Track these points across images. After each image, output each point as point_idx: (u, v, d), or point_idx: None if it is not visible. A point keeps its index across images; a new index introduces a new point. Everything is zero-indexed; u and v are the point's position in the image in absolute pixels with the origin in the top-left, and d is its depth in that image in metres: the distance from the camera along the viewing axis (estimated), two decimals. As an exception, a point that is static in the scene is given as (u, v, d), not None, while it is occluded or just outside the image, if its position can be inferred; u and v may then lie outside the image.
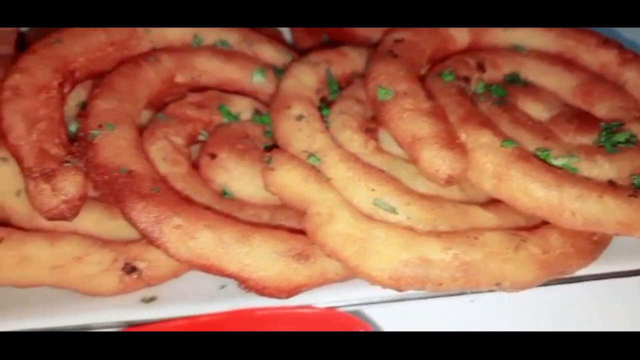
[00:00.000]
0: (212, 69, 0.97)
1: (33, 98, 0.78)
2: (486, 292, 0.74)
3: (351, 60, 1.00)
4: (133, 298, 0.82)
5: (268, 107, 0.98)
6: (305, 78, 0.91)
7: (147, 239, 0.71)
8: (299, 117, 0.83)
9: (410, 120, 0.76)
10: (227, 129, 0.92)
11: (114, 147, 0.76)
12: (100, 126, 0.77)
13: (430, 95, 0.82)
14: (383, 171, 0.78)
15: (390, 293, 0.74)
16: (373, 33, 1.09)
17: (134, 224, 0.71)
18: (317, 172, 0.76)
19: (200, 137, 0.91)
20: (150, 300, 0.81)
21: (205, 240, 0.70)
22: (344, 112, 0.88)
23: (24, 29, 1.18)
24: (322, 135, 0.81)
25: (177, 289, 0.83)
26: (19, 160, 0.74)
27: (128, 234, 0.86)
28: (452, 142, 0.74)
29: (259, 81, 1.00)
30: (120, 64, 0.92)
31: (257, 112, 0.96)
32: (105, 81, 0.84)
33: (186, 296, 0.82)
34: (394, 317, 0.79)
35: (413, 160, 0.76)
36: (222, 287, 0.83)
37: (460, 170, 0.73)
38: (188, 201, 0.75)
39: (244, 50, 1.04)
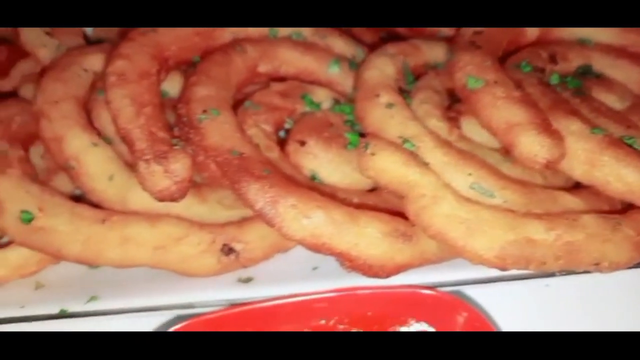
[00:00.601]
0: (291, 60, 1.00)
1: (137, 83, 0.80)
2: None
3: (423, 52, 1.03)
4: (230, 278, 0.84)
5: (343, 97, 1.01)
6: (387, 69, 0.93)
7: (263, 219, 0.73)
8: (389, 105, 0.85)
9: (505, 107, 0.79)
10: (312, 117, 0.94)
11: (222, 130, 0.78)
12: (205, 111, 0.79)
13: (517, 85, 0.84)
14: (475, 156, 0.81)
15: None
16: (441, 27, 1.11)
17: (250, 204, 0.73)
18: (416, 157, 0.78)
19: (286, 125, 0.93)
20: (247, 280, 0.83)
21: (318, 220, 0.72)
22: (426, 102, 0.90)
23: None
24: (413, 123, 0.83)
25: (271, 270, 0.85)
26: (130, 143, 0.76)
27: (215, 218, 0.88)
28: (548, 128, 0.76)
29: (335, 72, 1.02)
30: (205, 53, 0.95)
31: (336, 101, 0.98)
32: (201, 69, 0.86)
33: (281, 277, 0.84)
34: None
35: (508, 147, 0.78)
36: (315, 268, 0.85)
37: (558, 155, 0.75)
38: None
39: (317, 42, 1.07)
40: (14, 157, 0.90)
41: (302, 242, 0.73)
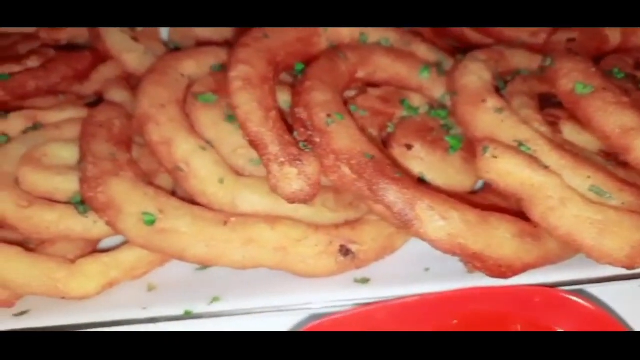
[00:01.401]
0: (385, 66, 1.01)
1: (261, 88, 0.81)
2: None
3: (507, 59, 1.05)
4: (347, 279, 0.85)
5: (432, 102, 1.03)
6: (484, 74, 0.95)
7: (400, 221, 0.74)
8: (498, 110, 0.87)
9: (617, 112, 0.81)
10: (413, 121, 0.95)
11: (350, 134, 0.79)
12: (329, 115, 0.80)
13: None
14: (590, 159, 0.82)
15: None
16: (520, 33, 1.13)
17: (388, 206, 0.74)
18: (536, 160, 0.79)
19: (388, 130, 0.95)
20: (364, 281, 0.84)
21: (454, 222, 0.73)
22: (525, 107, 0.92)
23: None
24: (524, 127, 0.85)
25: (385, 271, 0.86)
26: (261, 146, 0.77)
27: (321, 220, 0.89)
28: (664, 133, 0.78)
29: (425, 78, 1.03)
30: (304, 59, 0.96)
31: (431, 106, 1.00)
32: (312, 75, 0.87)
33: (396, 278, 0.85)
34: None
35: (622, 151, 0.80)
36: (427, 269, 0.86)
37: (676, 159, 0.77)
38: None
39: (402, 48, 1.08)
40: (123, 160, 0.90)
41: (437, 243, 0.74)
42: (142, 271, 0.89)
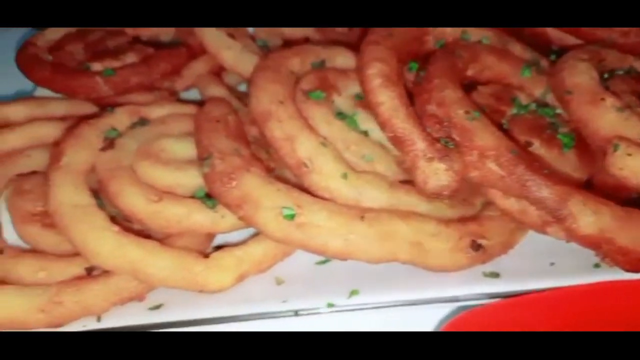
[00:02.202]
0: (491, 64, 1.02)
1: (399, 85, 0.82)
2: None
3: (604, 58, 1.06)
4: (476, 273, 0.86)
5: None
6: (593, 73, 0.96)
7: (553, 215, 0.75)
8: (619, 109, 0.88)
9: None
10: (525, 119, 0.96)
11: (491, 131, 0.80)
12: (467, 112, 0.81)
13: None
14: None
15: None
16: (612, 33, 1.15)
17: (539, 202, 0.75)
18: (670, 158, 0.81)
19: (503, 127, 0.96)
20: (494, 275, 0.85)
21: (604, 217, 0.75)
22: (635, 106, 0.94)
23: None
24: (648, 124, 0.86)
25: (512, 265, 0.87)
26: (408, 143, 0.78)
27: (440, 215, 0.90)
28: None
29: (526, 76, 1.04)
30: (417, 57, 0.97)
31: (538, 104, 1.01)
32: (438, 73, 0.88)
33: (524, 272, 0.86)
34: None
35: None
36: (552, 264, 0.87)
37: None
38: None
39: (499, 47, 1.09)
40: (247, 155, 0.91)
41: (586, 238, 0.75)
42: (268, 264, 0.89)
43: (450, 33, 1.04)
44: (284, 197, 0.83)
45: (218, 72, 1.20)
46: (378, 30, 0.90)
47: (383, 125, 0.81)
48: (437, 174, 0.76)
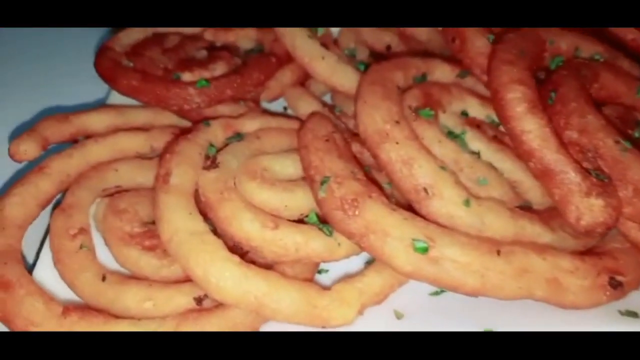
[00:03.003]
0: (608, 82, 0.95)
1: (543, 110, 0.75)
2: None
3: None
4: (609, 310, 0.80)
5: None
6: None
7: None
8: None
9: None
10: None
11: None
12: (617, 142, 0.75)
13: None
14: None
15: None
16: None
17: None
18: None
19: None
20: (631, 314, 0.80)
21: None
22: None
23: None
24: None
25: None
26: (559, 175, 0.72)
27: (564, 246, 0.84)
28: None
29: (641, 97, 0.98)
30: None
31: (657, 127, 0.95)
32: (572, 95, 0.82)
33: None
34: None
35: None
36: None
37: None
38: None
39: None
40: (364, 178, 0.84)
41: None
42: (385, 295, 0.83)
43: (564, 48, 0.97)
44: (411, 227, 0.77)
45: (303, 81, 1.13)
46: (507, 47, 0.83)
47: (528, 156, 0.75)
48: (592, 210, 0.70)
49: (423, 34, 1.23)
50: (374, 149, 0.87)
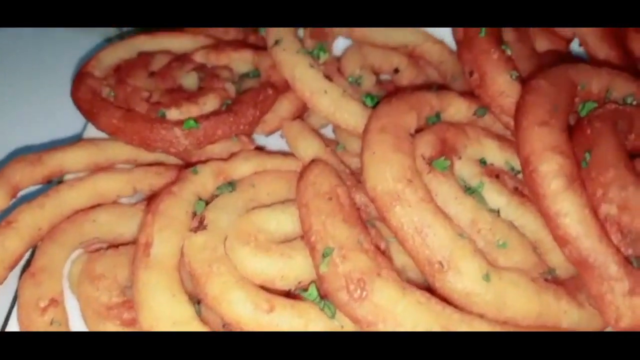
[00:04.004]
0: (643, 131, 0.84)
1: (583, 186, 0.64)
2: None
3: None
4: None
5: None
6: None
7: None
8: None
9: None
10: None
11: None
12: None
13: None
14: None
15: None
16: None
17: None
18: None
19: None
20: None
21: None
22: None
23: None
24: None
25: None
26: (596, 269, 0.62)
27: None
28: None
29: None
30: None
31: None
32: (612, 158, 0.70)
33: None
34: None
35: None
36: None
37: None
38: None
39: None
40: (371, 249, 0.73)
41: None
42: None
43: (597, 93, 0.85)
44: (426, 315, 0.67)
45: (302, 112, 1.01)
46: (538, 101, 0.71)
47: (563, 242, 0.64)
48: (635, 312, 0.59)
49: (434, 54, 1.11)
50: (383, 212, 0.76)
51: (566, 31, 1.12)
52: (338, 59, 1.09)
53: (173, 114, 0.87)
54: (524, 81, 0.89)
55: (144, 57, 1.03)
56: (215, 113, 0.87)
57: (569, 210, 0.63)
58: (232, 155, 0.90)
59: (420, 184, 0.76)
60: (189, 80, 1.00)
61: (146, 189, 0.92)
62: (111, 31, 1.15)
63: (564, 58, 1.09)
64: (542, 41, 1.11)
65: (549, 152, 0.65)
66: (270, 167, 0.90)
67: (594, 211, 0.62)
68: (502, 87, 0.87)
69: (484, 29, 0.91)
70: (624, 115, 0.80)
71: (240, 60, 1.02)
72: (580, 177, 0.64)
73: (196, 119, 0.85)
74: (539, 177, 0.64)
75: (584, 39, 1.10)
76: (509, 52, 0.91)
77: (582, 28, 1.08)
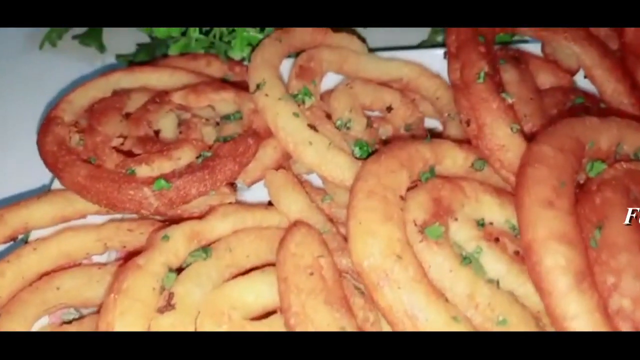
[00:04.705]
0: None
1: (593, 280, 0.56)
2: None
3: None
4: None
5: None
6: None
7: None
8: None
9: None
10: None
11: None
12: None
13: None
14: None
15: None
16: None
17: None
18: None
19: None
20: None
21: None
22: None
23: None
24: None
25: None
26: None
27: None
28: None
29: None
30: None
31: None
32: (624, 234, 0.62)
33: None
34: None
35: None
36: None
37: None
38: None
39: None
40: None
41: None
42: None
43: (606, 150, 0.77)
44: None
45: (286, 159, 0.93)
46: (542, 176, 0.62)
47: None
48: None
49: (430, 89, 1.03)
50: (370, 290, 0.68)
51: (570, 63, 1.04)
52: (328, 93, 1.01)
53: (144, 170, 0.79)
54: (526, 136, 0.81)
55: (119, 97, 0.95)
56: (189, 170, 0.79)
57: (576, 313, 0.54)
58: (210, 210, 0.82)
59: (410, 259, 0.68)
60: (167, 123, 0.92)
61: (118, 246, 0.84)
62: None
63: (568, 93, 1.00)
64: (546, 75, 1.03)
65: (555, 243, 0.57)
66: (251, 224, 0.82)
67: (605, 310, 0.54)
68: (502, 140, 0.79)
69: (482, 73, 0.83)
70: (636, 179, 0.72)
71: (222, 102, 0.94)
72: (591, 273, 0.55)
73: (168, 178, 0.77)
74: (543, 271, 0.56)
75: (590, 72, 1.01)
76: (509, 100, 0.83)
77: (586, 60, 1.00)
